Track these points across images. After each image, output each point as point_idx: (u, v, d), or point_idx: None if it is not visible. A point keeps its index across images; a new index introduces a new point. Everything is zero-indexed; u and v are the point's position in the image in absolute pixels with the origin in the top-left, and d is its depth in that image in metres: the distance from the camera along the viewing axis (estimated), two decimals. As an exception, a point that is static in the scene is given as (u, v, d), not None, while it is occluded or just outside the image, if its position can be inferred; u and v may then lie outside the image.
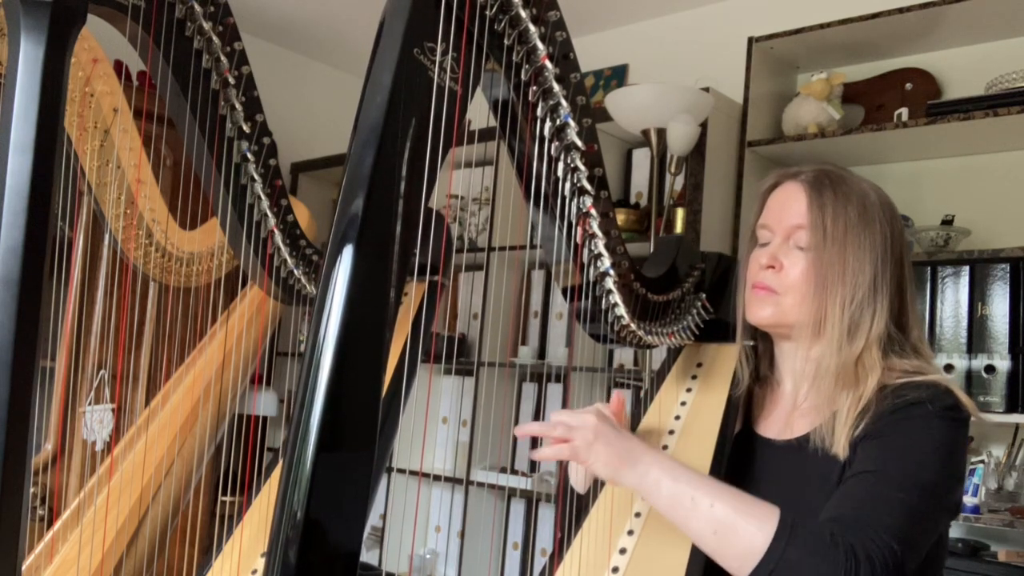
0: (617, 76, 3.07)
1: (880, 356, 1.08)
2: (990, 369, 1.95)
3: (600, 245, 1.14)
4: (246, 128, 1.26)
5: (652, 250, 1.66)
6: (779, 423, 1.19)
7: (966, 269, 2.01)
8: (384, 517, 2.93)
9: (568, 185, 1.10)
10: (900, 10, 2.23)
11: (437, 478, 2.81)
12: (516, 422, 2.79)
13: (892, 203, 1.15)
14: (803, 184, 1.14)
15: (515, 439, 2.76)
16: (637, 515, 1.15)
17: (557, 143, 1.08)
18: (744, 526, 0.94)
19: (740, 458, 1.18)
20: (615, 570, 1.10)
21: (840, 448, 1.05)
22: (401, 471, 2.88)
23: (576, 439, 1.01)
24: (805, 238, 1.12)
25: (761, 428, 1.21)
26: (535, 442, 1.11)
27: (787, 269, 1.12)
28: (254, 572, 1.32)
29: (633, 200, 2.77)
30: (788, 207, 1.14)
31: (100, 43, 1.60)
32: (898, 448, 1.00)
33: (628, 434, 1.04)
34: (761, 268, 1.14)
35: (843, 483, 1.02)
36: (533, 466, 2.71)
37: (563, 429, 1.02)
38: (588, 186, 1.10)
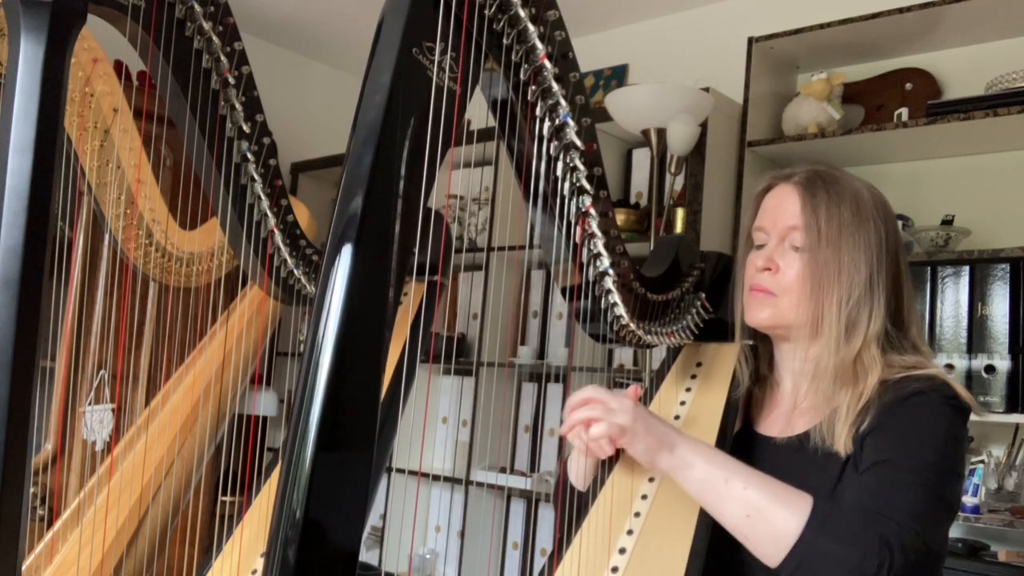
0: (617, 76, 3.07)
1: (879, 354, 1.08)
2: (990, 369, 1.95)
3: (599, 245, 1.14)
4: (246, 128, 1.26)
5: (652, 250, 1.66)
6: (779, 422, 1.19)
7: (966, 269, 2.01)
8: (384, 517, 2.93)
9: (567, 184, 1.10)
10: (900, 10, 2.23)
11: (437, 478, 2.81)
12: (516, 422, 2.79)
13: (886, 201, 1.16)
14: (796, 185, 1.14)
15: (515, 439, 2.77)
16: (637, 515, 1.15)
17: (556, 142, 1.08)
18: (777, 511, 0.95)
19: (740, 457, 1.18)
20: (615, 570, 1.10)
21: (841, 445, 1.05)
22: (401, 471, 2.88)
23: (618, 419, 1.02)
24: (800, 239, 1.12)
25: (761, 427, 1.21)
26: (535, 442, 1.11)
27: (783, 271, 1.13)
28: (254, 572, 1.32)
29: (633, 200, 2.77)
30: (782, 209, 1.15)
31: (100, 43, 1.60)
32: (905, 436, 1.01)
33: (661, 418, 1.05)
34: (757, 271, 1.15)
35: (857, 477, 1.02)
36: (533, 466, 2.71)
37: (601, 409, 1.03)
38: (587, 185, 1.10)
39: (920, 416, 1.02)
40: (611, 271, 1.15)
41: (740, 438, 1.21)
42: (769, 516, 0.95)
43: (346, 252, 0.77)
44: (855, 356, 1.08)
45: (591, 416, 1.03)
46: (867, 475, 1.01)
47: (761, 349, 1.25)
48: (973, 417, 1.07)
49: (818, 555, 0.92)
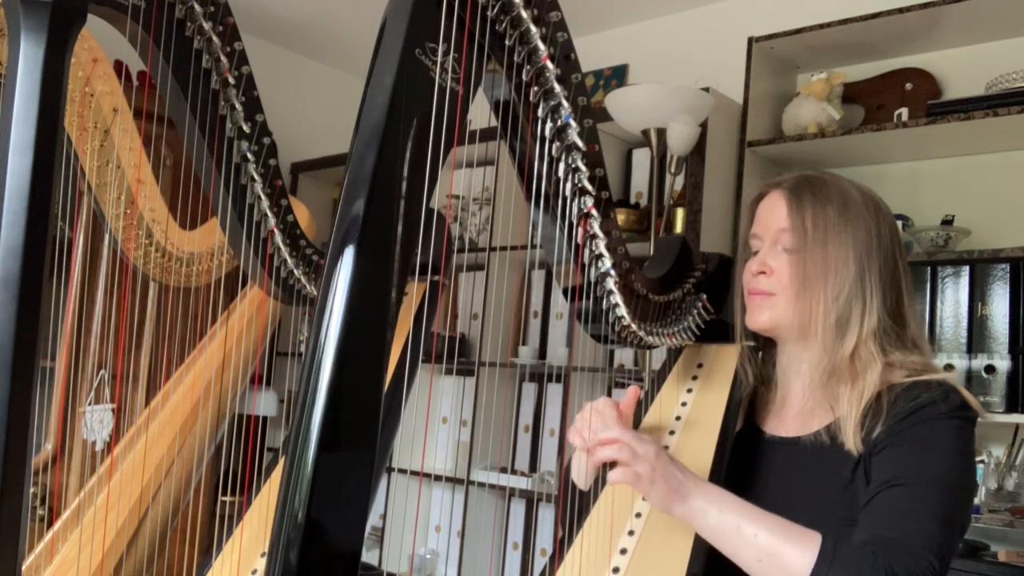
0: (617, 76, 3.07)
1: (878, 350, 1.09)
2: (990, 369, 1.95)
3: (601, 245, 1.14)
4: (246, 128, 1.26)
5: (653, 250, 1.66)
6: (786, 422, 1.20)
7: (966, 269, 2.01)
8: (384, 517, 2.93)
9: (569, 186, 1.10)
10: (900, 10, 2.23)
11: (437, 478, 2.81)
12: (516, 422, 2.79)
13: (879, 200, 1.17)
14: (784, 190, 1.17)
15: (515, 439, 2.77)
16: (638, 515, 1.15)
17: (558, 144, 1.08)
18: (787, 552, 0.96)
19: (747, 456, 1.19)
20: (616, 570, 1.10)
21: (851, 442, 1.06)
22: (401, 471, 2.88)
23: (638, 468, 1.02)
24: (788, 240, 1.15)
25: (768, 427, 1.22)
26: (535, 442, 1.11)
27: (778, 272, 1.15)
28: (254, 572, 1.32)
29: (633, 200, 2.77)
30: (772, 214, 1.17)
31: (100, 43, 1.59)
32: (917, 454, 1.02)
33: (679, 464, 1.05)
34: (753, 275, 1.17)
35: (868, 504, 1.02)
36: (533, 466, 2.71)
37: (628, 453, 1.03)
38: (589, 186, 1.10)
39: (932, 431, 1.03)
40: (613, 272, 1.15)
41: (747, 438, 1.22)
42: (781, 559, 0.96)
43: (348, 253, 0.77)
44: (851, 354, 1.09)
45: (616, 457, 1.03)
46: (880, 498, 1.01)
47: (765, 352, 1.26)
48: (979, 417, 1.08)
49: None
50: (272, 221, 1.34)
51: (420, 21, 0.83)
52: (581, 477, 1.26)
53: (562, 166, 1.09)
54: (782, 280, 1.14)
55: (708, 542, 1.03)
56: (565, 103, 1.04)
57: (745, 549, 0.99)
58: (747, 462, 1.19)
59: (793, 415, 1.19)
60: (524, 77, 1.02)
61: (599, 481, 1.22)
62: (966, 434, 1.04)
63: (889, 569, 0.92)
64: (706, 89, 2.30)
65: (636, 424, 1.27)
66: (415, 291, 1.48)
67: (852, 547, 0.96)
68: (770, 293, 1.15)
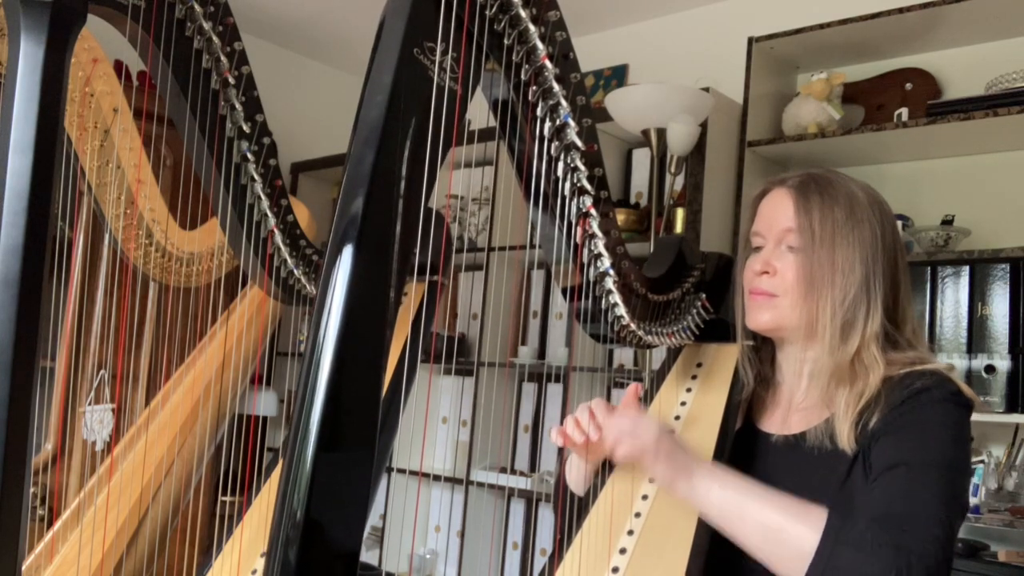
0: (617, 76, 3.07)
1: (880, 353, 1.09)
2: (990, 369, 1.95)
3: (600, 245, 1.14)
4: (246, 128, 1.26)
5: (652, 250, 1.66)
6: (781, 421, 1.20)
7: (966, 269, 2.01)
8: (384, 517, 2.93)
9: (568, 185, 1.11)
10: (900, 10, 2.23)
11: (437, 478, 2.81)
12: (516, 422, 2.79)
13: (883, 200, 1.16)
14: (790, 189, 1.16)
15: (515, 439, 2.77)
16: (637, 515, 1.15)
17: (557, 143, 1.08)
18: (792, 529, 0.96)
19: (743, 454, 1.19)
20: (615, 570, 1.10)
21: (844, 442, 1.06)
22: (401, 471, 2.88)
23: (643, 440, 1.02)
24: (795, 240, 1.14)
25: (764, 426, 1.22)
26: (535, 442, 1.11)
27: (781, 272, 1.14)
28: (254, 572, 1.32)
29: (633, 200, 2.77)
30: (777, 212, 1.16)
31: (100, 43, 1.60)
32: (915, 437, 1.02)
33: (681, 445, 1.05)
34: (755, 274, 1.16)
35: (870, 484, 1.02)
36: (533, 466, 2.71)
37: (630, 427, 1.03)
38: (588, 186, 1.10)
39: (927, 415, 1.03)
40: (612, 271, 1.16)
41: (743, 437, 1.22)
42: (786, 536, 0.96)
43: (347, 252, 0.77)
44: (853, 356, 1.09)
45: (619, 435, 1.04)
46: (882, 480, 1.01)
47: (763, 350, 1.25)
48: (973, 416, 1.08)
49: (836, 567, 0.92)
50: (272, 221, 1.34)
51: (418, 20, 0.84)
52: (579, 483, 1.25)
53: (561, 165, 1.09)
54: (786, 281, 1.13)
55: (712, 525, 1.03)
56: (564, 102, 1.04)
57: (750, 527, 0.98)
58: (745, 460, 1.18)
59: (790, 414, 1.19)
60: (523, 76, 1.02)
61: (599, 480, 1.22)
62: (961, 417, 1.05)
63: (900, 546, 0.91)
64: (706, 89, 2.30)
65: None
66: (414, 291, 1.48)
67: (858, 525, 0.95)
68: (772, 294, 1.14)
